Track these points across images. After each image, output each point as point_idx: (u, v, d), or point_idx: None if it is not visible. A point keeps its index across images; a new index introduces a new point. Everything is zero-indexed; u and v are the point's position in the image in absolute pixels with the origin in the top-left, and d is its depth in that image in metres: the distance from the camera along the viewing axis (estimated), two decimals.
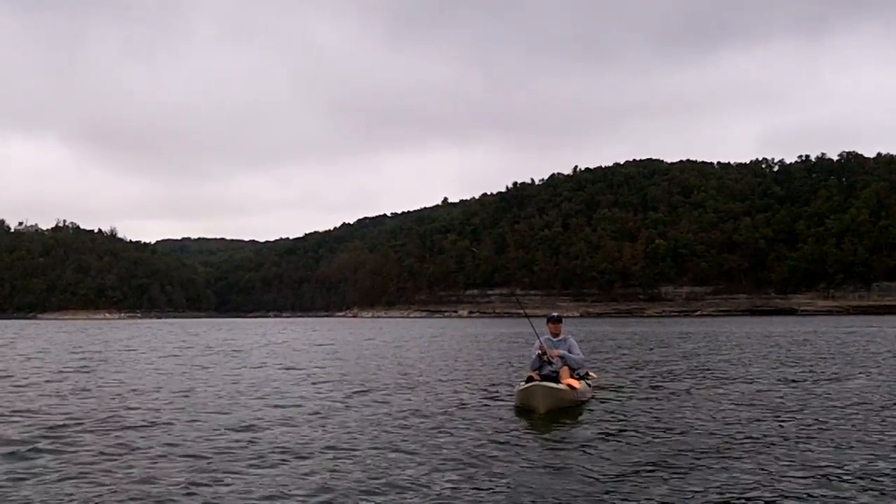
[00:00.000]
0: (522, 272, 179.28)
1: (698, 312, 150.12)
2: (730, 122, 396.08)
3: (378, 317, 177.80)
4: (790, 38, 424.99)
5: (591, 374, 13.77)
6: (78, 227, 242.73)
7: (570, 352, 12.32)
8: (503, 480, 6.91)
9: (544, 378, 11.65)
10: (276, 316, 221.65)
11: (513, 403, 11.70)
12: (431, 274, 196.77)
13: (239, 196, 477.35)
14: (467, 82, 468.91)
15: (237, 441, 8.78)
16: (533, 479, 7.01)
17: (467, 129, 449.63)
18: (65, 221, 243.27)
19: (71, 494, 6.43)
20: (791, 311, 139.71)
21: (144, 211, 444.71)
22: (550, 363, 12.08)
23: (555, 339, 12.53)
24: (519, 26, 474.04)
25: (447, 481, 6.85)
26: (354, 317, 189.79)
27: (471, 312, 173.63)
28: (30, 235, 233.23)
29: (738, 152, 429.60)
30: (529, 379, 11.67)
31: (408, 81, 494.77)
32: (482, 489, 6.61)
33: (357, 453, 8.07)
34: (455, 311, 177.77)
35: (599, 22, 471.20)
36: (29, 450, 8.23)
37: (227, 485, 6.72)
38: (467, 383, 15.34)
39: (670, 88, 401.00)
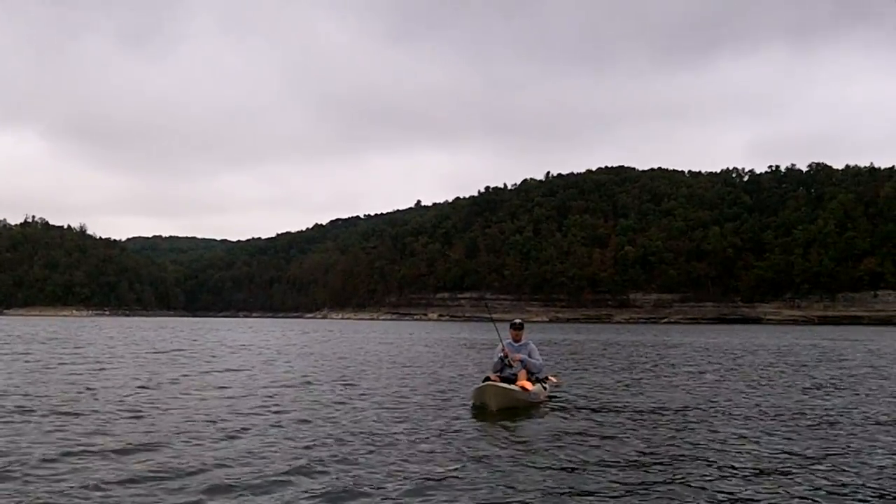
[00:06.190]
0: (493, 276, 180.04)
1: (666, 320, 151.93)
2: (719, 130, 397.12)
3: (348, 318, 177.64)
4: (782, 46, 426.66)
5: (551, 377, 14.23)
6: (47, 223, 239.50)
7: (529, 356, 12.81)
8: (453, 473, 7.19)
9: (503, 380, 12.22)
10: (245, 316, 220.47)
11: (469, 402, 12.27)
12: (402, 276, 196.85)
13: (217, 194, 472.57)
14: (460, 85, 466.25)
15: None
16: (476, 472, 7.31)
17: (455, 132, 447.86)
18: (34, 217, 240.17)
19: None
20: (757, 320, 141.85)
21: (119, 208, 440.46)
22: (511, 366, 12.57)
23: (516, 344, 13.02)
24: (517, 30, 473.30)
25: (404, 478, 7.10)
26: (324, 318, 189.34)
27: (440, 316, 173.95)
28: None
29: (726, 160, 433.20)
30: (487, 379, 12.14)
31: (401, 82, 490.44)
32: (437, 481, 6.88)
33: (315, 456, 8.30)
34: (425, 314, 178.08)
35: (598, 28, 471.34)
36: None
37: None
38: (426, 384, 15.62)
39: (661, 95, 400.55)
